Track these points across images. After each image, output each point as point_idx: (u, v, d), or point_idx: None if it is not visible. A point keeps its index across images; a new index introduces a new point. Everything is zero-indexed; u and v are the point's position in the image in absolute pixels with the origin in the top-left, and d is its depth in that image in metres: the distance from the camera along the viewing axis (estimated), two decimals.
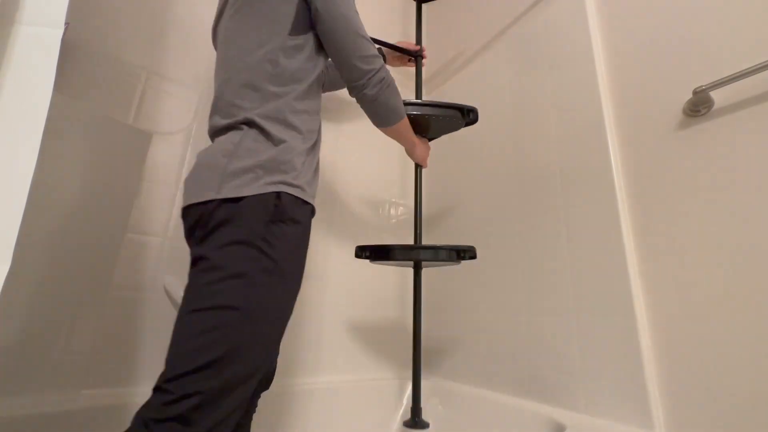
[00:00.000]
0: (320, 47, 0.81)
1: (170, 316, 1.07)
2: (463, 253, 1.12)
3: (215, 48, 0.90)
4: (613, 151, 0.99)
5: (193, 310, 0.61)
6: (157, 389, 0.58)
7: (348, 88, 0.84)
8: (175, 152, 1.16)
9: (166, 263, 1.09)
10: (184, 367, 0.57)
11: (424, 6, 1.60)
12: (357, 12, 0.81)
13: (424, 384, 1.22)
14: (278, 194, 0.67)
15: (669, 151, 0.90)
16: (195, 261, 0.66)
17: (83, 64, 1.05)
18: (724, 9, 0.86)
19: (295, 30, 0.76)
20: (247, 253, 0.63)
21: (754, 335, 0.72)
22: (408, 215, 1.63)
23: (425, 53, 1.37)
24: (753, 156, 0.77)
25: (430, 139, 1.21)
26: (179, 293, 1.07)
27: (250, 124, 0.70)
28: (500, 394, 1.13)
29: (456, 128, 1.20)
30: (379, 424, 1.26)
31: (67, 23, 1.02)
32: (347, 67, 0.79)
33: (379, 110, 0.86)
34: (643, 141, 0.95)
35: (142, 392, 0.98)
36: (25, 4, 0.40)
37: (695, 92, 0.83)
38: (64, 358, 0.92)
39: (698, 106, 0.86)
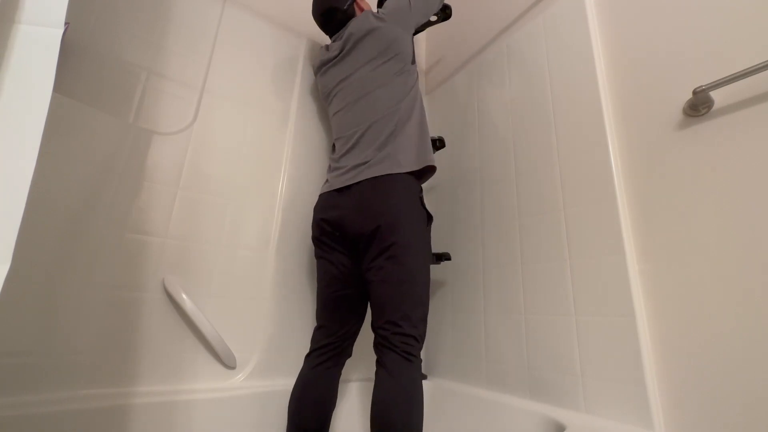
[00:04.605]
0: None
1: (170, 316, 1.08)
2: (441, 256, 1.40)
3: None
4: (613, 151, 0.99)
5: None
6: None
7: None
8: (175, 152, 1.16)
9: (166, 263, 1.09)
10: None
11: None
12: None
13: (425, 384, 1.21)
14: None
15: (669, 151, 0.90)
16: None
17: (83, 64, 1.05)
18: (723, 9, 0.86)
19: None
20: None
21: (754, 335, 0.72)
22: None
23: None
24: (753, 156, 0.77)
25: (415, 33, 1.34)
26: (179, 293, 1.07)
27: None
28: (500, 394, 1.13)
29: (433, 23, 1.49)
30: None
31: (67, 23, 1.02)
32: None
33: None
34: (643, 141, 0.95)
35: (142, 392, 0.99)
36: (25, 4, 0.40)
37: (695, 92, 0.83)
38: (64, 358, 0.92)
39: (698, 106, 0.86)
